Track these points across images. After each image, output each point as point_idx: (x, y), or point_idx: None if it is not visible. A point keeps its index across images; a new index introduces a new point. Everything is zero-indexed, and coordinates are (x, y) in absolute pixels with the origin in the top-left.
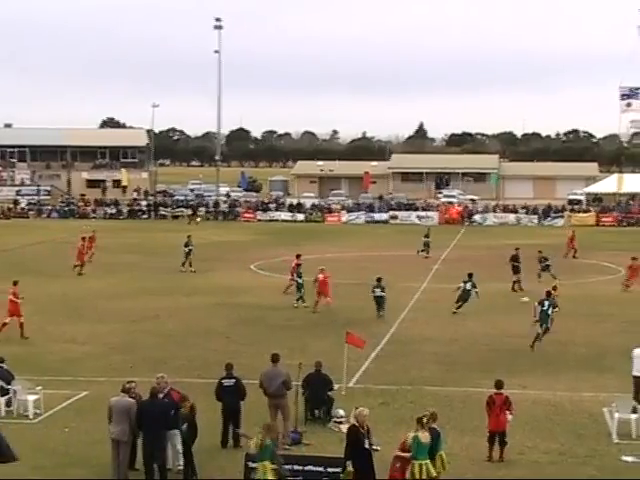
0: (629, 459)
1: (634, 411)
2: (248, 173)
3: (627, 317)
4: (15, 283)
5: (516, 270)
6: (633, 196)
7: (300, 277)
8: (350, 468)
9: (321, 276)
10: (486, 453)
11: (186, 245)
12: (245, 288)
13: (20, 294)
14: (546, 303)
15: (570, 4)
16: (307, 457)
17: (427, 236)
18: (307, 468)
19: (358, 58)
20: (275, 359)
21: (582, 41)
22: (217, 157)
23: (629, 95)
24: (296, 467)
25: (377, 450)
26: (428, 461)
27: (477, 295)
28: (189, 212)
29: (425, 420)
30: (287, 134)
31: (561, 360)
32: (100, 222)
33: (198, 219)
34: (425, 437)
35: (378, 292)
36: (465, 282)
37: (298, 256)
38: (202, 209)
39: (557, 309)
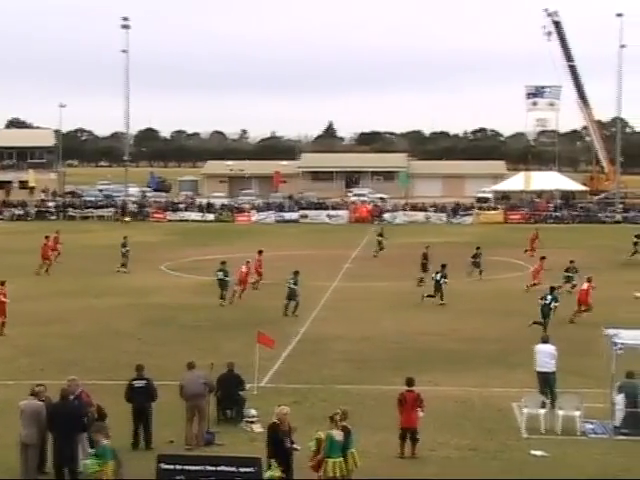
0: (537, 453)
1: (542, 406)
2: (157, 173)
3: (535, 313)
4: (2, 283)
5: (425, 268)
6: (540, 193)
7: (227, 275)
8: (275, 466)
9: (244, 268)
10: (398, 450)
11: (123, 246)
12: (155, 289)
13: None
14: (549, 297)
15: (478, 4)
16: (220, 457)
17: (381, 235)
18: (220, 469)
19: (266, 57)
20: (191, 366)
21: (490, 41)
22: (125, 157)
23: (535, 94)
24: (209, 468)
25: (297, 450)
26: (342, 459)
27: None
28: (113, 211)
29: (338, 418)
30: (196, 134)
31: (471, 357)
32: (7, 224)
33: (127, 218)
34: (338, 435)
35: (291, 284)
36: (437, 273)
37: (260, 252)
38: (111, 209)
39: (558, 303)
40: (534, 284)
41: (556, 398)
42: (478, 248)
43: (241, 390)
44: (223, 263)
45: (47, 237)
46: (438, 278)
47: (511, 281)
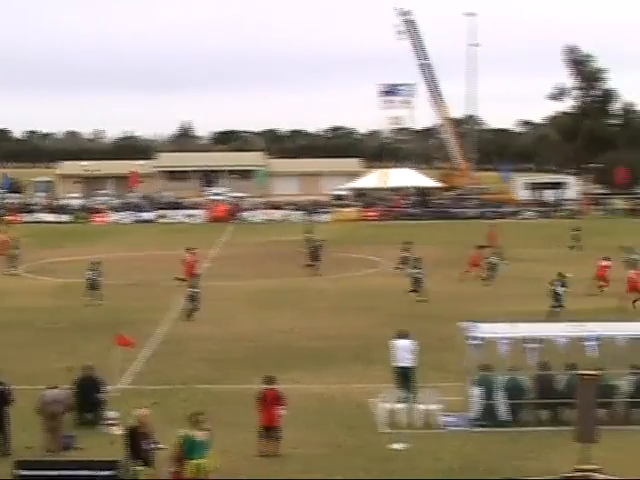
0: (397, 446)
1: (401, 401)
2: (11, 174)
3: (392, 309)
4: None
5: (316, 259)
6: (396, 190)
7: (100, 276)
8: (140, 468)
9: (188, 256)
10: (259, 449)
11: (16, 248)
12: (9, 291)
13: None
14: (557, 284)
15: (333, 3)
16: (79, 462)
17: (309, 232)
18: (79, 473)
19: (119, 55)
20: (53, 387)
21: (345, 39)
22: None
23: (389, 92)
24: (68, 472)
25: (160, 449)
26: (204, 459)
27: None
28: None
29: (199, 419)
30: (50, 134)
31: (330, 354)
32: None
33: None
34: (199, 435)
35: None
36: (414, 268)
37: (189, 249)
38: None
39: (566, 288)
40: (466, 271)
41: (416, 393)
42: (406, 243)
43: (100, 392)
44: (96, 264)
45: None
46: (415, 272)
47: (367, 278)
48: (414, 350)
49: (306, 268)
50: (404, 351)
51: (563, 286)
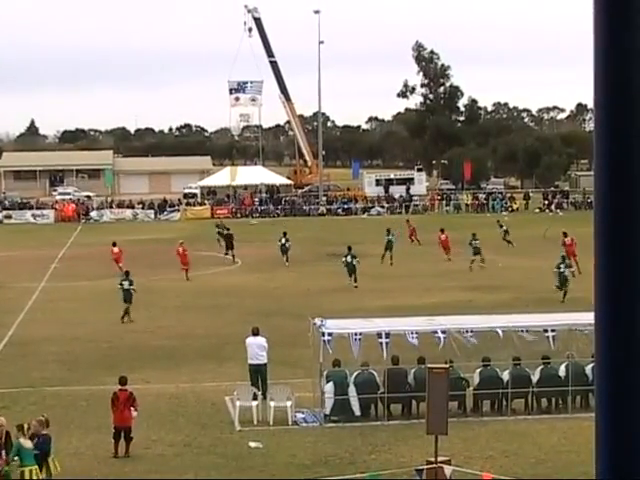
0: (254, 444)
1: (254, 398)
2: None
3: (246, 307)
4: None
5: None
6: (245, 187)
7: None
8: None
9: (181, 249)
10: (112, 450)
11: None
12: None
13: None
14: (562, 266)
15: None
16: None
17: (219, 226)
18: None
19: None
20: None
21: (194, 36)
22: None
23: (237, 89)
24: None
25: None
26: (36, 466)
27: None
28: None
29: (26, 426)
30: None
31: (182, 353)
32: None
33: None
34: (27, 443)
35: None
36: (346, 255)
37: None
38: None
39: (573, 269)
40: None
41: (267, 389)
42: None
43: None
44: None
45: None
46: (350, 260)
47: (219, 276)
48: (265, 347)
49: (226, 256)
50: (256, 348)
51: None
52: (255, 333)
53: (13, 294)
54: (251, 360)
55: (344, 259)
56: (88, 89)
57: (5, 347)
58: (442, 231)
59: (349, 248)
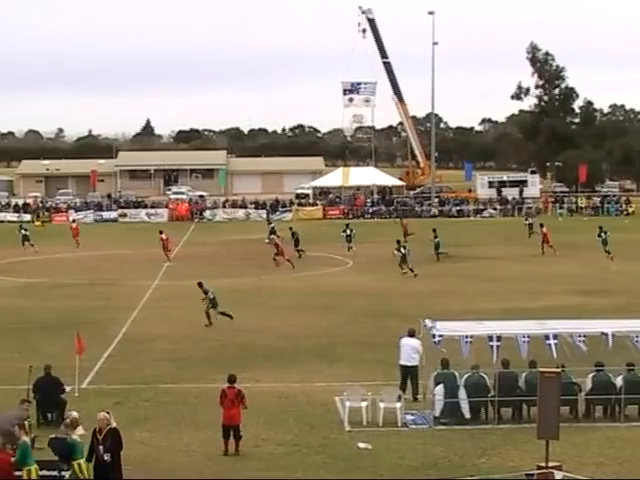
0: (362, 445)
1: (399, 400)
2: None
3: (356, 308)
4: None
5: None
6: (358, 188)
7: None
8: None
9: (164, 236)
10: (222, 447)
11: None
12: None
13: None
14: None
15: (294, 1)
16: (39, 462)
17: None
18: (41, 473)
19: (83, 54)
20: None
21: (308, 37)
22: None
23: (351, 90)
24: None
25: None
26: (36, 466)
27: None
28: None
29: (27, 424)
30: (10, 133)
31: (292, 352)
32: None
33: (37, 222)
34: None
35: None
36: (397, 249)
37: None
38: None
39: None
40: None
41: (418, 392)
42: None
43: (61, 392)
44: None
45: None
46: (403, 252)
47: (329, 276)
48: (419, 350)
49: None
50: (410, 350)
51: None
52: (411, 334)
53: (127, 292)
54: (403, 361)
55: (397, 252)
56: (203, 90)
57: (119, 344)
58: (541, 225)
59: (398, 242)
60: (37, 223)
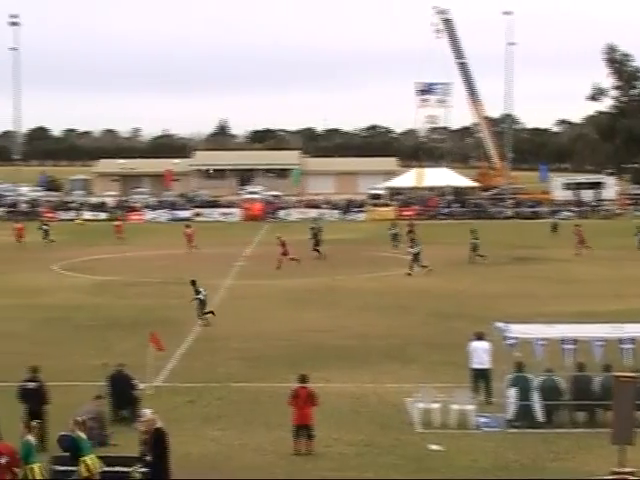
0: (434, 447)
1: (472, 403)
2: (49, 172)
3: (428, 309)
4: None
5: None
6: (431, 189)
7: None
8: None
9: (189, 230)
10: (293, 447)
11: None
12: (48, 289)
13: None
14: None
15: (368, 1)
16: (114, 458)
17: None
18: (114, 469)
19: (159, 54)
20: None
21: (382, 38)
22: (16, 156)
23: (425, 91)
24: (104, 468)
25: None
26: (39, 464)
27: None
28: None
29: (34, 424)
30: (88, 132)
31: (364, 353)
32: None
33: (78, 220)
34: (34, 440)
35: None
36: (412, 247)
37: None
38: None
39: None
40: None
41: (492, 394)
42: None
43: (134, 389)
44: None
45: None
46: (414, 251)
47: (402, 277)
48: (489, 352)
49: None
50: (482, 352)
51: None
52: (480, 337)
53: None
54: (476, 364)
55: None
56: (278, 90)
57: (193, 342)
58: (577, 226)
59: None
60: (78, 221)
